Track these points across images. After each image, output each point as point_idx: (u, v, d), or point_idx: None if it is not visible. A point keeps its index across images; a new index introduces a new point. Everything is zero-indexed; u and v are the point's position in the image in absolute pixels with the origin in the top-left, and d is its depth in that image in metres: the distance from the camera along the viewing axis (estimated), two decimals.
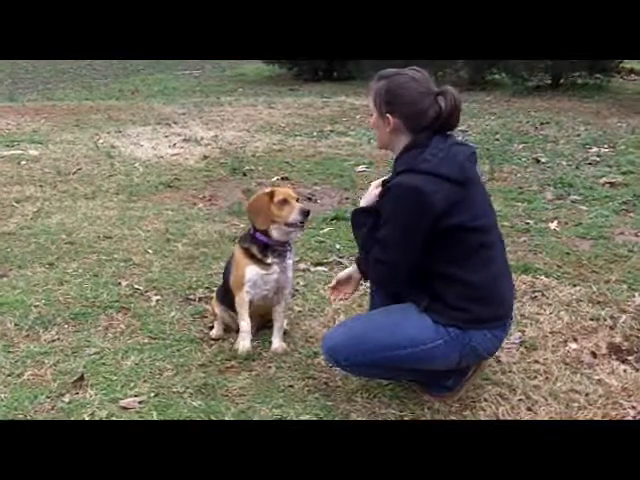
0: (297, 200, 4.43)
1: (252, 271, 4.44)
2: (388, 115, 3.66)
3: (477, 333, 3.66)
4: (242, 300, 4.47)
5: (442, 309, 3.63)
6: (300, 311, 5.04)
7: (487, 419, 3.76)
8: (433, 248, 3.56)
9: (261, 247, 4.42)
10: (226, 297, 4.66)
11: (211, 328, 4.76)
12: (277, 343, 4.55)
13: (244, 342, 4.46)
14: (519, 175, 8.96)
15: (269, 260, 4.42)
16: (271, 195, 4.39)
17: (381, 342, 3.67)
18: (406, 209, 3.51)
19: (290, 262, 4.55)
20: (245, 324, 4.48)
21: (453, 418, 3.79)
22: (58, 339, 4.67)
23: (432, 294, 3.65)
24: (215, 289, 4.99)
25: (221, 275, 5.08)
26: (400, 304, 3.79)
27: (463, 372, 3.95)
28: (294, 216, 4.31)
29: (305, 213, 4.34)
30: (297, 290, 5.35)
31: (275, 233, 4.39)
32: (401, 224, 3.54)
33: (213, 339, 4.66)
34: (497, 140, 11.16)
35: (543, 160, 9.70)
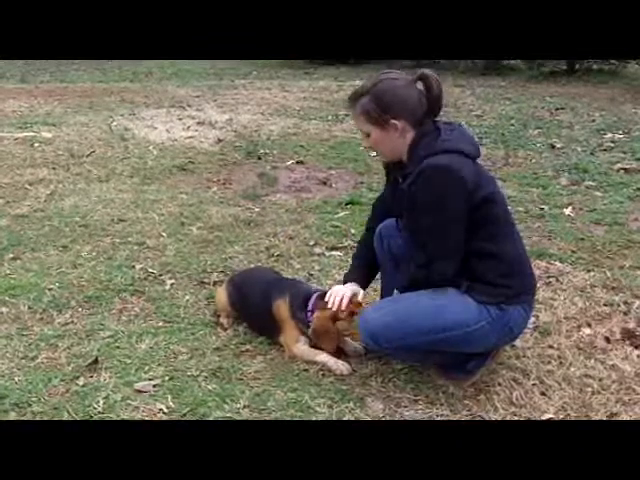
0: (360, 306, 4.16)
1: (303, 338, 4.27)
2: (394, 121, 3.64)
3: (515, 312, 3.70)
4: (303, 351, 4.25)
5: (484, 288, 3.63)
6: None
7: (501, 403, 3.76)
8: (467, 226, 3.57)
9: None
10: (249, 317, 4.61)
11: (219, 316, 4.74)
12: (351, 348, 4.33)
13: (339, 365, 4.14)
14: (534, 160, 8.94)
15: None
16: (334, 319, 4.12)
17: (426, 325, 3.66)
18: (443, 189, 3.49)
19: None
20: (323, 357, 4.20)
21: (467, 402, 3.79)
22: (72, 322, 4.67)
23: (470, 276, 3.66)
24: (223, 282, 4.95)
25: (236, 260, 5.15)
26: (439, 287, 3.74)
27: (484, 355, 3.95)
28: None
29: None
30: (312, 275, 5.35)
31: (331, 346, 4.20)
32: (443, 206, 3.52)
33: (226, 328, 4.60)
34: (512, 125, 11.12)
35: (558, 146, 9.67)
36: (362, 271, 4.28)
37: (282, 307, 4.33)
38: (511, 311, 3.69)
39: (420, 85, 3.69)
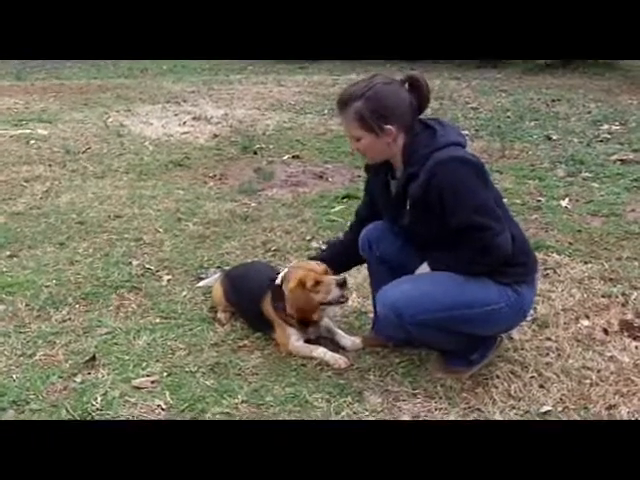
0: (326, 273, 4.19)
1: (294, 332, 4.26)
2: (388, 126, 3.63)
3: (528, 295, 3.77)
4: (298, 347, 4.24)
5: (501, 267, 3.64)
6: None
7: (499, 396, 3.75)
8: None
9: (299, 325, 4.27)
10: (242, 307, 4.60)
11: (216, 312, 4.73)
12: (349, 342, 4.32)
13: (336, 358, 4.13)
14: (530, 152, 8.92)
15: (309, 333, 4.31)
16: (302, 284, 4.13)
17: (448, 301, 3.67)
18: (466, 174, 3.53)
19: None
20: (320, 352, 4.20)
21: (465, 395, 3.78)
22: (69, 319, 4.67)
23: None
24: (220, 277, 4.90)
25: (233, 255, 5.14)
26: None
27: (489, 346, 3.98)
28: (333, 294, 4.11)
29: (342, 284, 4.11)
30: None
31: (316, 315, 4.22)
32: (474, 188, 3.54)
33: (224, 323, 4.59)
34: (508, 117, 11.11)
35: (554, 137, 9.65)
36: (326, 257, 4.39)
37: (268, 305, 4.34)
38: (525, 293, 3.74)
39: (409, 86, 3.70)
